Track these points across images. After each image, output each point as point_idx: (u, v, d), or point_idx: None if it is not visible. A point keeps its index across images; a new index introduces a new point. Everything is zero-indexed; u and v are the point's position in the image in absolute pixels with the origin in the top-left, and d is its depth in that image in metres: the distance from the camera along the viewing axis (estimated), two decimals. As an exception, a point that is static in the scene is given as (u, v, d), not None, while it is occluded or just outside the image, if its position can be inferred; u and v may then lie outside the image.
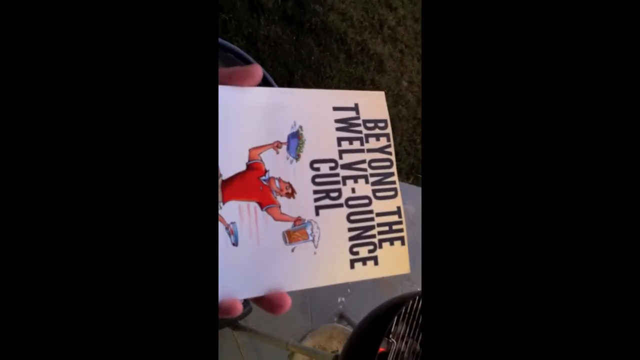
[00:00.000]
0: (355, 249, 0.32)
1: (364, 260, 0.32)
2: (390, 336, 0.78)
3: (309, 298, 1.38)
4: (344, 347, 0.85)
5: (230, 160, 0.29)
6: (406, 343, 0.80)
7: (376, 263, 0.33)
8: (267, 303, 0.29)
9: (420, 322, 0.80)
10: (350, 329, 1.23)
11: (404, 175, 1.82)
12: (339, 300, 1.45)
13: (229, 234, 0.29)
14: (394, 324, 0.77)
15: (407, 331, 0.79)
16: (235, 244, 0.29)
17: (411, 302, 0.79)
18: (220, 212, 0.29)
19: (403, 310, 0.78)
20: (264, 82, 0.71)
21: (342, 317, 1.43)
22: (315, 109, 0.33)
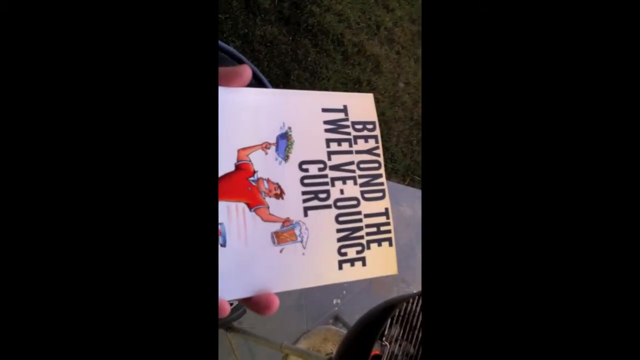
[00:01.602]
0: (343, 250, 0.32)
1: (352, 261, 0.32)
2: (384, 339, 0.78)
3: (304, 299, 1.38)
4: (337, 349, 0.85)
5: (219, 161, 0.29)
6: (400, 346, 0.80)
7: (364, 264, 0.33)
8: (255, 304, 0.29)
9: (414, 324, 0.79)
10: (345, 331, 1.23)
11: (399, 177, 1.82)
12: (334, 302, 1.45)
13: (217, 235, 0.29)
14: (387, 327, 0.77)
15: (401, 334, 0.79)
16: (223, 244, 0.29)
17: (405, 304, 0.79)
18: None
19: (396, 313, 0.78)
20: (258, 82, 0.71)
21: (337, 319, 1.43)
22: (304, 110, 0.33)
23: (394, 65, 1.97)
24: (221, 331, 1.13)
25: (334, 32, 1.78)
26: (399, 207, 1.67)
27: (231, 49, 0.71)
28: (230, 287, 0.28)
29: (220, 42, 0.71)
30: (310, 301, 1.39)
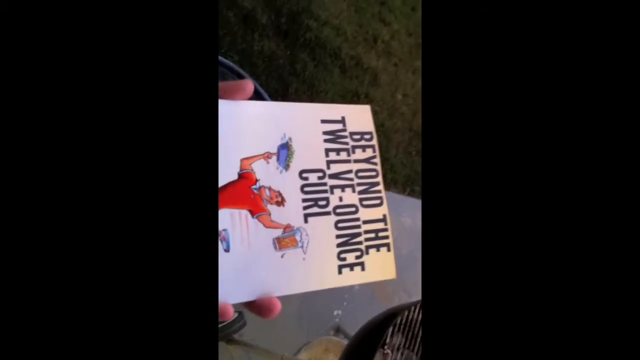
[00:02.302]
0: (342, 255, 0.33)
1: (351, 266, 0.33)
2: (386, 347, 0.78)
3: (305, 307, 1.38)
4: (340, 358, 0.85)
5: (223, 170, 0.30)
6: (402, 354, 0.80)
7: (363, 268, 0.34)
8: (257, 307, 0.30)
9: (415, 332, 0.80)
10: (346, 342, 1.23)
11: (399, 187, 1.83)
12: (335, 313, 1.45)
13: (221, 240, 0.30)
14: (389, 335, 0.77)
15: (403, 342, 0.79)
16: (227, 250, 0.30)
17: (406, 312, 0.79)
18: None
19: (398, 321, 0.79)
20: (257, 96, 0.73)
21: (338, 330, 1.42)
22: (304, 122, 0.34)
23: (392, 77, 1.99)
24: (222, 344, 1.13)
25: (332, 46, 1.81)
26: (399, 217, 1.67)
27: (230, 63, 0.73)
28: (234, 291, 0.29)
29: (220, 57, 0.73)
30: (310, 312, 1.39)
